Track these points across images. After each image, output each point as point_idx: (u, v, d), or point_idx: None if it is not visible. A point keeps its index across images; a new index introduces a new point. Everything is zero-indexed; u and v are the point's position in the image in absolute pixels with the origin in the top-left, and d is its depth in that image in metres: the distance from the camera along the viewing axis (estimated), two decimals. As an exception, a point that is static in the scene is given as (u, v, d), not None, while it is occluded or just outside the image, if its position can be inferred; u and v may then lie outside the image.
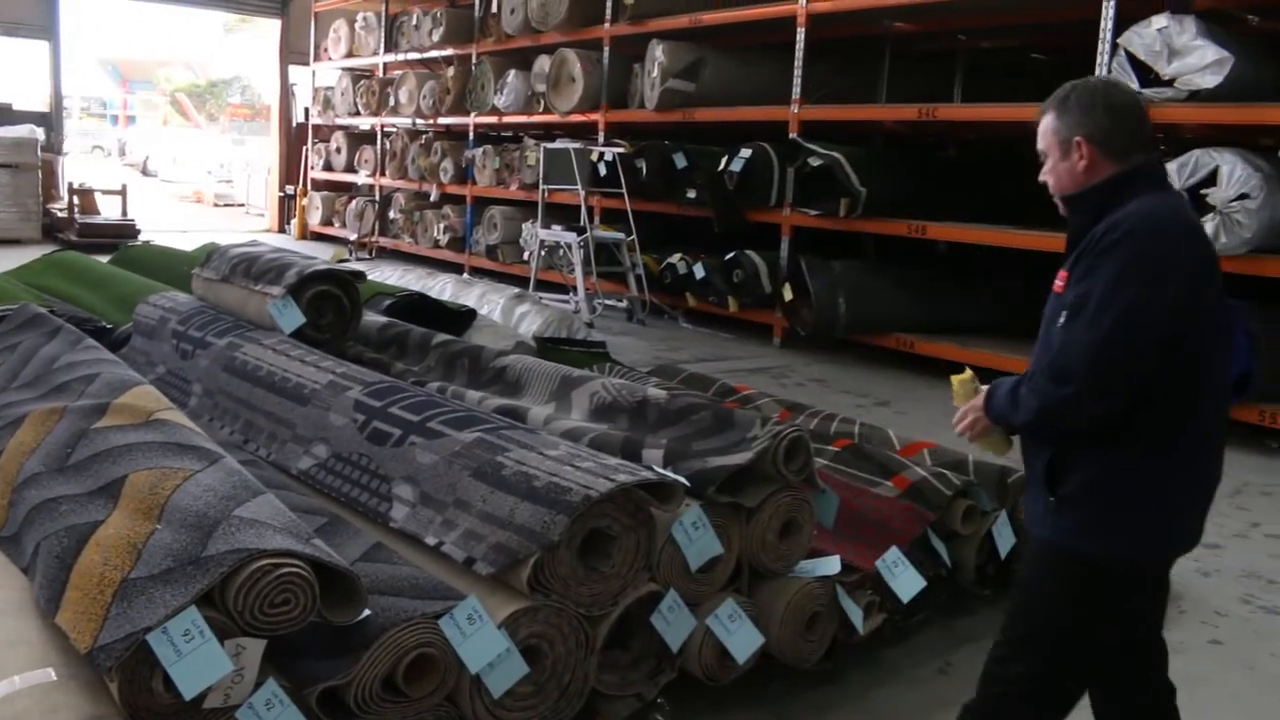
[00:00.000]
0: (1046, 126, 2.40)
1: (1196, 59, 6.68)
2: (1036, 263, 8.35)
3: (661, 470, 2.83)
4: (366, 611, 2.27)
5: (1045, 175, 2.45)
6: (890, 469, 3.76)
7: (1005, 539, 3.81)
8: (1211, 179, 6.59)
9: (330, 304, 4.34)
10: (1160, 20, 6.88)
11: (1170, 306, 2.13)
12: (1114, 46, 7.15)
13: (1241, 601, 4.22)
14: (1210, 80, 6.65)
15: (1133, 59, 7.03)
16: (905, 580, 3.34)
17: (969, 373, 2.54)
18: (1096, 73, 7.22)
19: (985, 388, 2.43)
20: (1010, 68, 11.87)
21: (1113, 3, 7.19)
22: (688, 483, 2.79)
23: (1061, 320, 2.20)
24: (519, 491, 2.61)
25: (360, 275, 4.53)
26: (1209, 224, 6.55)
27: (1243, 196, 6.44)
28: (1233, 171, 6.48)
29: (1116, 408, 2.15)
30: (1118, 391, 2.14)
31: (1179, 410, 2.20)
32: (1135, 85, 6.95)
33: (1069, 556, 2.27)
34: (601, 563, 2.62)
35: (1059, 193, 2.43)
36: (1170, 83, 6.87)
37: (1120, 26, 7.14)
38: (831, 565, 3.13)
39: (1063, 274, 2.32)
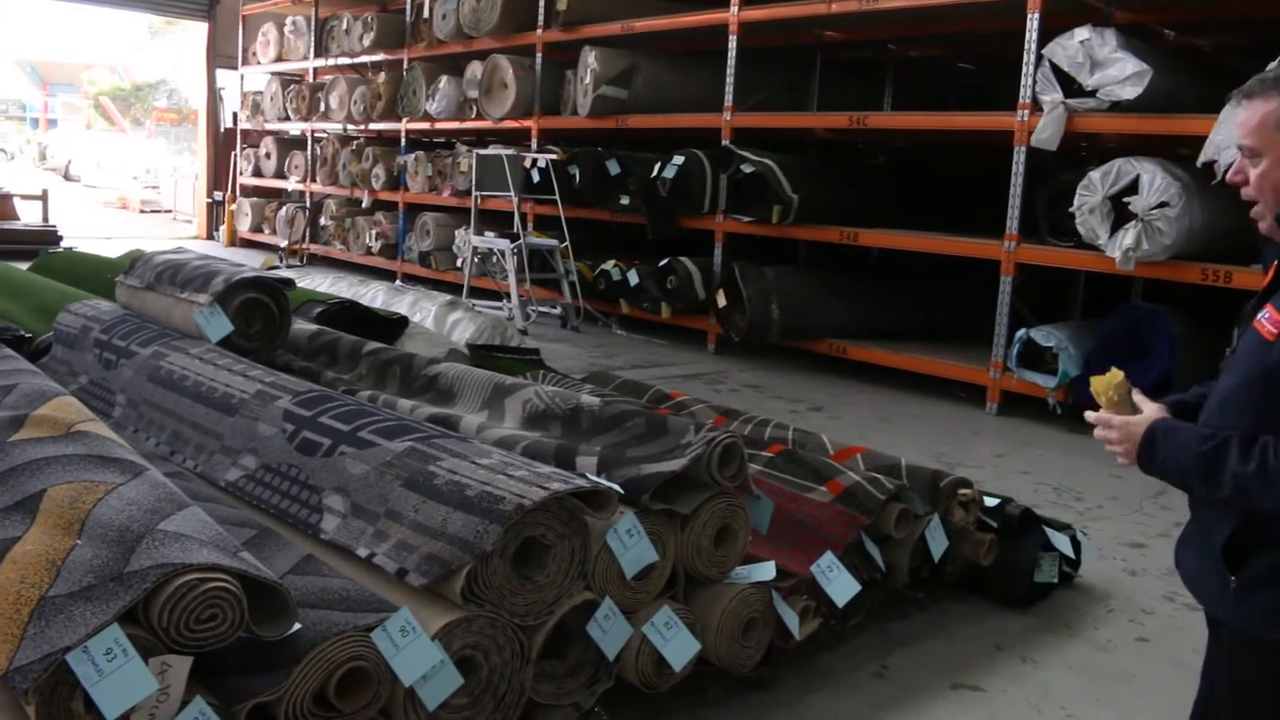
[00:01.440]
0: (1267, 117, 1.86)
1: (1117, 71, 6.83)
2: (964, 268, 8.51)
3: (595, 478, 2.82)
4: (297, 625, 2.23)
5: (1240, 178, 1.97)
6: (824, 474, 3.79)
7: (938, 542, 3.85)
8: (1133, 187, 6.73)
9: (259, 312, 4.28)
10: (1082, 32, 7.02)
11: None
12: (1039, 57, 7.28)
13: (1166, 599, 4.30)
14: (1130, 91, 6.80)
15: (1056, 70, 7.17)
16: (840, 585, 3.36)
17: (1118, 374, 2.13)
18: (1023, 81, 7.36)
19: (1139, 404, 2.10)
20: (939, 76, 12.05)
21: (1037, 15, 7.32)
22: (622, 490, 2.78)
23: None
24: (451, 501, 2.58)
25: (289, 283, 4.46)
26: (1130, 232, 6.70)
27: (1163, 205, 6.59)
28: (1153, 180, 6.62)
29: None
30: None
31: None
32: (1059, 96, 7.10)
33: (1259, 646, 1.97)
34: (536, 572, 2.60)
35: (1277, 208, 1.93)
36: (1093, 93, 7.01)
37: (1044, 38, 7.28)
38: (767, 571, 3.14)
39: (1275, 314, 1.88)
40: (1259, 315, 1.91)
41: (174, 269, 4.33)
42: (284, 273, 9.53)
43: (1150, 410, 2.08)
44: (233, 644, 2.12)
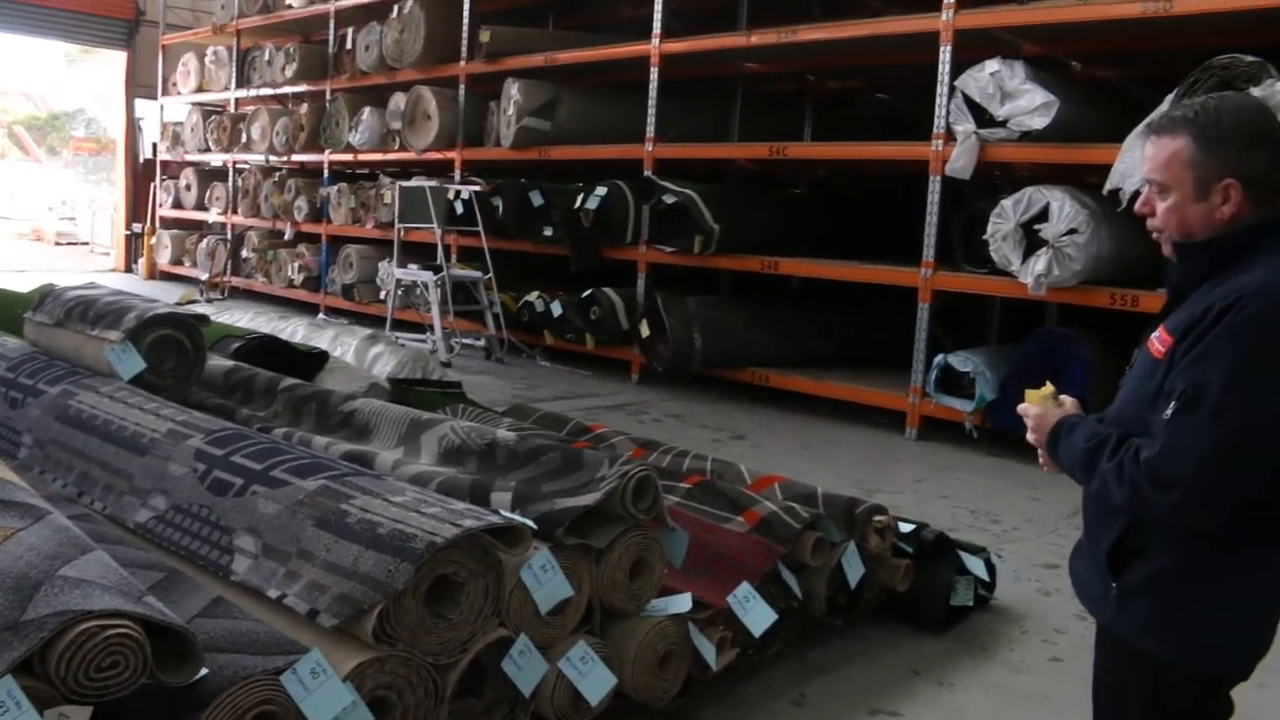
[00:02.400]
0: (1176, 155, 1.93)
1: (1026, 101, 7.03)
2: (885, 295, 8.65)
3: (509, 514, 2.82)
4: (203, 670, 2.19)
5: (1148, 209, 2.04)
6: (741, 504, 3.82)
7: (854, 569, 3.89)
8: (1044, 215, 6.91)
9: (172, 348, 4.21)
10: (993, 64, 7.21)
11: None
12: (952, 89, 7.46)
13: (1078, 618, 4.39)
14: (1039, 121, 7.00)
15: (969, 101, 7.35)
16: (757, 614, 3.39)
17: (1049, 387, 2.27)
18: (936, 112, 7.53)
19: (1064, 402, 2.18)
20: (857, 107, 12.27)
21: (949, 48, 7.51)
22: (536, 525, 2.78)
23: (1169, 411, 1.85)
24: (363, 540, 2.56)
25: (204, 318, 4.40)
26: (1042, 258, 6.87)
27: (1072, 231, 6.77)
28: (1062, 207, 6.80)
29: (1222, 520, 1.86)
30: (1225, 506, 1.84)
31: (1273, 521, 1.91)
32: (972, 126, 7.27)
33: (1134, 652, 2.03)
34: (449, 610, 2.59)
35: (1180, 237, 1.99)
36: (1004, 123, 7.20)
37: (957, 70, 7.46)
38: (683, 603, 3.16)
39: (1165, 337, 1.95)
40: (1151, 335, 2.00)
41: (85, 305, 4.25)
42: (203, 307, 9.42)
43: (1070, 406, 2.17)
44: (135, 692, 2.08)
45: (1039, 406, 2.20)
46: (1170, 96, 6.39)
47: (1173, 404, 1.85)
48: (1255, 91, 6.01)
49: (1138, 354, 2.07)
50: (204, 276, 15.66)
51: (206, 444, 3.21)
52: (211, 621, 2.47)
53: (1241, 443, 1.79)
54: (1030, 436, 2.19)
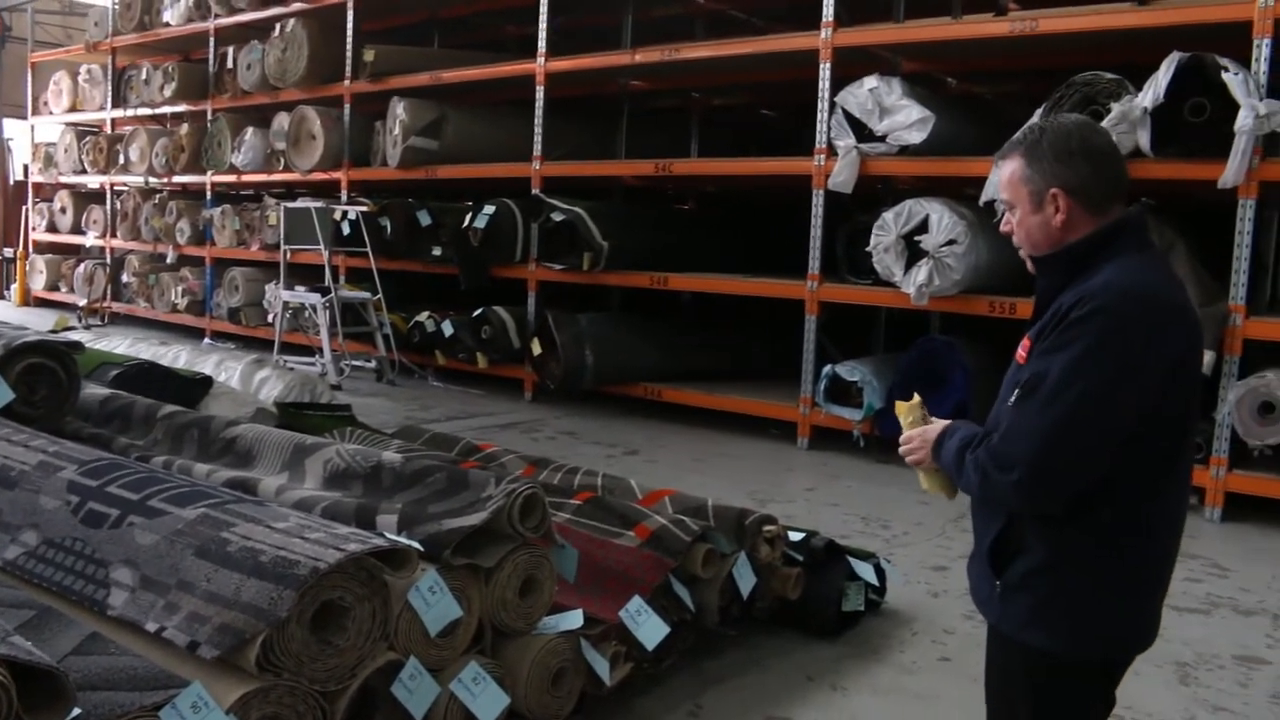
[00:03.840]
0: (1013, 174, 2.13)
1: (904, 117, 7.21)
2: (774, 308, 8.78)
3: (395, 536, 2.80)
4: (76, 710, 2.12)
5: (1009, 228, 2.20)
6: (631, 519, 3.84)
7: (746, 579, 3.93)
8: (924, 226, 7.09)
9: (44, 377, 4.08)
10: (871, 81, 7.39)
11: (1136, 404, 1.94)
12: (832, 105, 7.62)
13: (966, 618, 4.50)
14: (916, 136, 7.19)
15: (849, 116, 7.51)
16: (649, 628, 3.40)
17: (916, 398, 2.35)
18: (818, 127, 7.69)
19: (935, 421, 2.28)
20: (742, 123, 12.45)
21: (828, 65, 7.67)
22: (421, 547, 2.76)
23: (1013, 398, 2.02)
24: (245, 568, 2.52)
25: (78, 346, 4.28)
26: (923, 267, 7.04)
27: (951, 242, 6.96)
28: (941, 219, 6.99)
29: (1061, 501, 1.99)
30: (1061, 488, 1.97)
31: (1142, 502, 2.03)
32: (852, 141, 7.43)
33: (1018, 647, 2.13)
34: (336, 635, 2.55)
35: (1031, 251, 2.18)
36: (883, 138, 7.37)
37: (837, 86, 7.62)
38: (574, 619, 3.16)
39: (1026, 342, 2.12)
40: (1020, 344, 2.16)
41: (-51, 336, 4.11)
42: (79, 334, 9.13)
43: (941, 424, 2.28)
44: (3, 735, 2.01)
45: (908, 419, 2.31)
46: (1039, 111, 6.62)
47: (1016, 392, 2.01)
48: (1114, 107, 6.27)
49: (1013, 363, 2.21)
50: (82, 302, 15.17)
51: (80, 475, 3.11)
52: (85, 659, 2.40)
53: (1073, 427, 1.91)
54: (916, 454, 2.27)
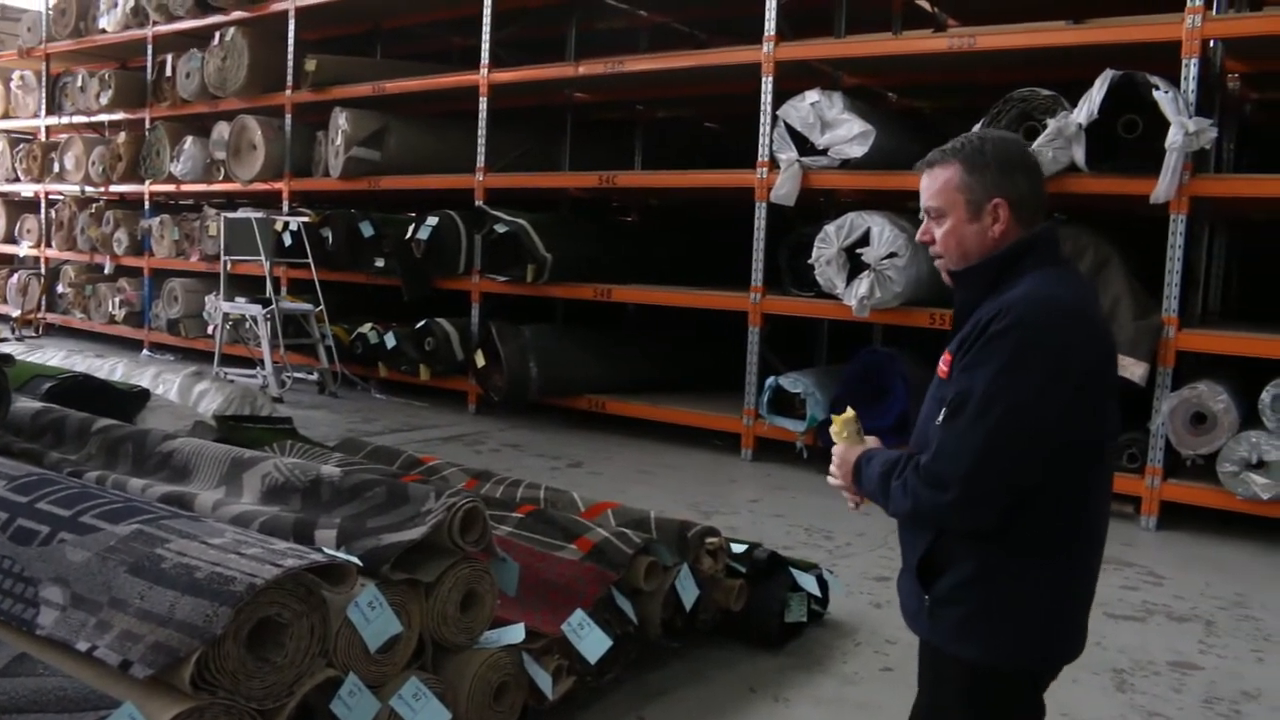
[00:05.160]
0: (949, 182, 2.12)
1: (845, 131, 7.28)
2: (719, 320, 8.82)
3: (333, 551, 2.77)
4: (3, 732, 2.09)
5: (928, 237, 2.21)
6: (573, 532, 3.83)
7: (689, 591, 3.94)
8: (865, 239, 7.16)
9: (-27, 392, 4.01)
10: (813, 95, 7.46)
11: (1060, 412, 1.95)
12: (774, 118, 7.68)
13: (907, 629, 4.53)
14: (857, 150, 7.26)
15: (791, 130, 7.57)
16: (592, 641, 3.40)
17: (850, 413, 2.32)
18: (760, 140, 7.74)
19: (866, 440, 2.28)
20: (686, 136, 12.50)
21: (770, 78, 7.73)
22: (360, 562, 2.74)
23: (940, 419, 2.02)
24: (179, 585, 2.48)
25: (9, 358, 4.21)
26: (864, 279, 7.11)
27: (892, 255, 7.03)
28: (882, 232, 7.06)
29: (996, 515, 1.99)
30: (997, 502, 1.97)
31: (1066, 514, 2.05)
32: (794, 154, 7.50)
33: (949, 659, 2.14)
34: (273, 652, 2.52)
35: (957, 261, 2.17)
36: (824, 152, 7.44)
37: (779, 99, 7.68)
38: (515, 634, 3.15)
39: (947, 356, 2.13)
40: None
41: (-126, 349, 4.02)
42: (11, 346, 8.96)
43: (871, 443, 2.31)
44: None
45: (844, 443, 2.30)
46: (977, 126, 6.71)
47: (943, 411, 2.01)
48: (1050, 122, 6.38)
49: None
50: (15, 313, 14.88)
51: (9, 491, 3.05)
52: (12, 680, 2.35)
53: (1004, 441, 1.93)
54: (833, 479, 2.33)
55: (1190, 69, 6.20)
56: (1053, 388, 1.94)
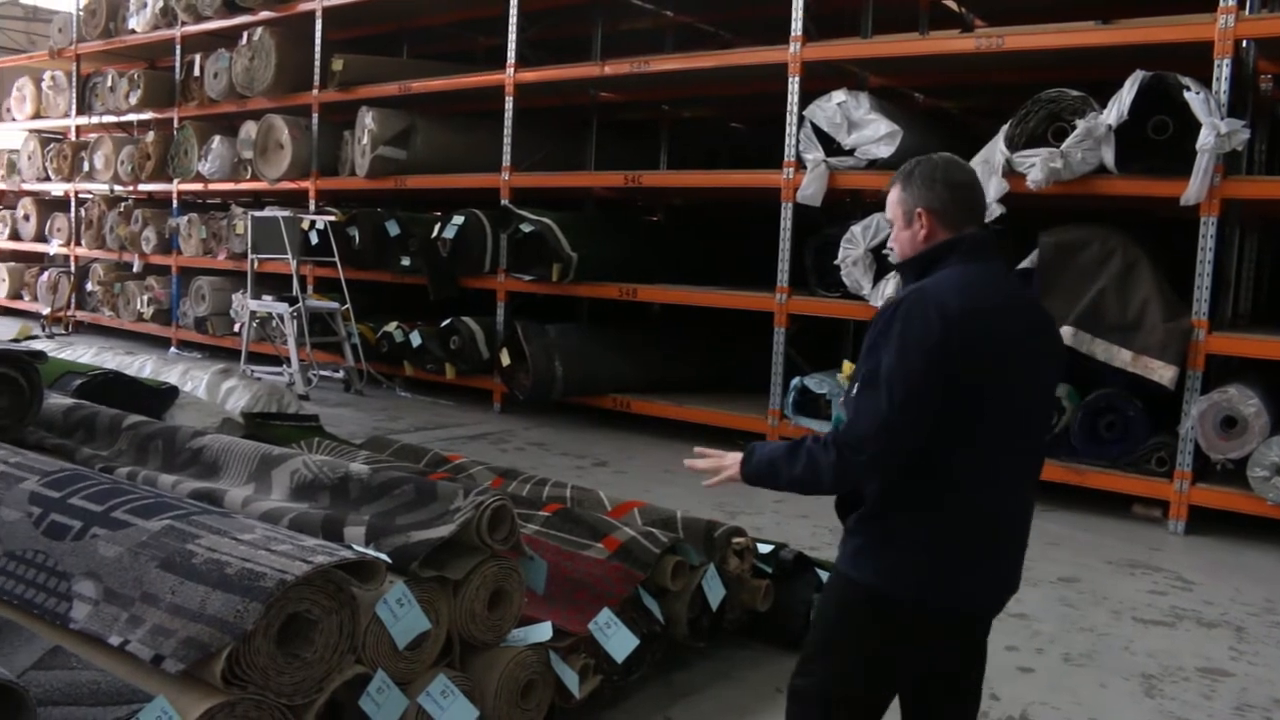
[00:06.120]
0: (893, 198, 2.57)
1: (872, 131, 7.26)
2: (744, 320, 8.80)
3: (362, 548, 2.78)
4: (37, 724, 2.10)
5: (891, 242, 2.65)
6: (600, 531, 3.83)
7: (715, 591, 3.94)
8: (891, 240, 7.12)
9: (5, 387, 4.04)
10: (839, 95, 7.43)
11: (938, 382, 2.29)
12: (801, 118, 7.66)
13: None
14: (884, 150, 7.23)
15: (817, 130, 7.55)
16: (618, 640, 3.40)
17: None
18: (787, 141, 7.74)
19: None
20: (712, 136, 12.49)
21: (797, 79, 7.71)
22: (390, 559, 2.75)
23: (854, 390, 2.37)
24: (210, 580, 2.49)
25: (41, 355, 4.23)
26: (891, 282, 7.08)
27: (918, 257, 6.99)
28: (908, 234, 7.02)
29: (897, 466, 2.35)
30: (894, 459, 2.33)
31: (940, 472, 2.36)
32: (820, 154, 7.48)
33: (843, 577, 2.48)
34: (303, 648, 2.53)
35: (899, 259, 2.61)
36: (851, 152, 7.41)
37: (805, 100, 7.67)
38: (543, 632, 3.15)
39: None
40: None
41: (-91, 345, 4.05)
42: (42, 343, 9.03)
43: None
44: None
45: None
46: (1005, 127, 6.69)
47: (856, 384, 2.38)
48: (1079, 123, 6.34)
49: None
50: (46, 311, 15.01)
51: (42, 486, 3.08)
52: (47, 674, 2.37)
53: (903, 403, 2.27)
54: (701, 463, 2.70)
55: (1223, 70, 6.15)
56: (929, 360, 2.28)
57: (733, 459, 2.58)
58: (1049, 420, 2.69)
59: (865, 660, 2.46)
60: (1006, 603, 2.54)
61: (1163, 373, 6.26)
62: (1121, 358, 6.42)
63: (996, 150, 6.70)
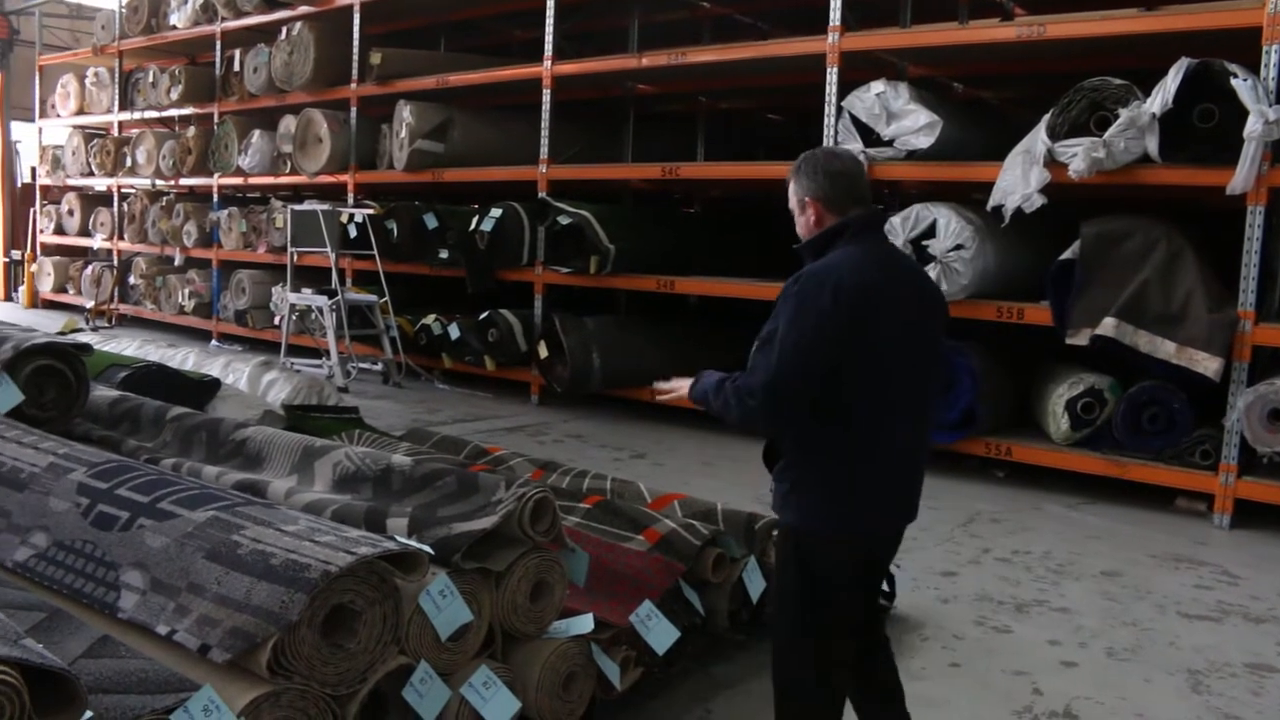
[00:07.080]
0: (789, 190, 2.90)
1: (911, 122, 7.20)
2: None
3: (405, 540, 2.79)
4: (88, 714, 2.11)
5: (798, 229, 2.94)
6: (641, 523, 3.83)
7: (755, 584, 3.93)
8: (931, 231, 7.08)
9: (53, 379, 4.09)
10: (878, 86, 7.38)
11: (824, 348, 2.62)
12: (839, 109, 7.61)
13: (975, 624, 4.50)
14: (924, 141, 7.17)
15: (856, 121, 7.50)
16: (659, 633, 3.40)
17: None
18: (825, 132, 7.70)
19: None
20: (749, 127, 12.44)
21: (835, 69, 7.66)
22: (433, 551, 2.76)
23: (754, 350, 2.71)
24: (255, 571, 2.51)
25: (86, 348, 4.28)
26: (931, 271, 7.03)
27: (959, 247, 6.95)
28: (949, 224, 6.98)
29: (790, 417, 2.67)
30: (788, 410, 2.65)
31: (837, 424, 2.68)
32: (859, 145, 7.43)
33: (781, 523, 2.84)
34: (347, 639, 2.54)
35: (802, 240, 2.90)
36: (890, 143, 7.36)
37: (844, 90, 7.61)
38: (585, 624, 3.15)
39: None
40: None
41: (-42, 338, 4.11)
42: (87, 335, 9.14)
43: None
44: (16, 737, 2.00)
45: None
46: (1046, 116, 6.61)
47: (756, 344, 2.70)
48: (1122, 112, 6.27)
49: None
50: (89, 304, 15.21)
51: (90, 477, 3.11)
52: (96, 662, 2.39)
53: (791, 361, 2.59)
54: (663, 386, 3.11)
55: (1271, 55, 6.04)
56: (819, 327, 2.60)
57: (686, 384, 2.94)
58: (938, 369, 3.00)
59: (808, 596, 2.77)
60: (904, 530, 2.93)
61: (1207, 364, 6.18)
62: (1165, 349, 6.34)
63: (1038, 140, 6.63)
